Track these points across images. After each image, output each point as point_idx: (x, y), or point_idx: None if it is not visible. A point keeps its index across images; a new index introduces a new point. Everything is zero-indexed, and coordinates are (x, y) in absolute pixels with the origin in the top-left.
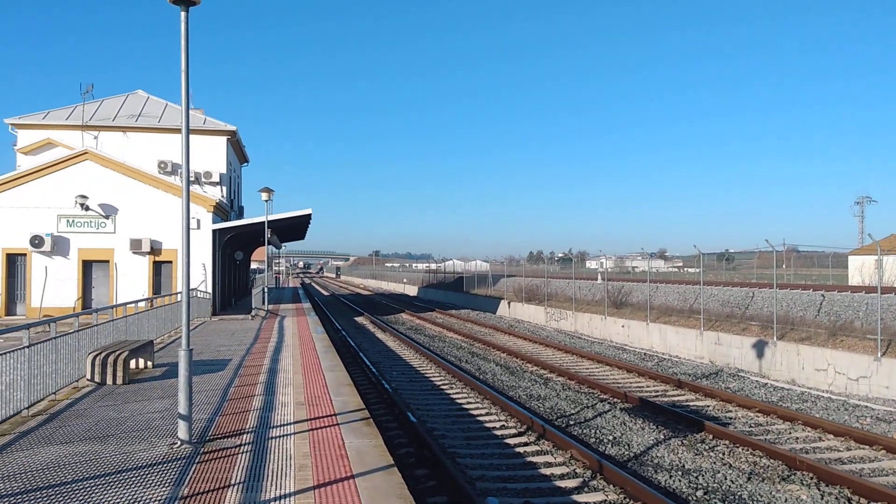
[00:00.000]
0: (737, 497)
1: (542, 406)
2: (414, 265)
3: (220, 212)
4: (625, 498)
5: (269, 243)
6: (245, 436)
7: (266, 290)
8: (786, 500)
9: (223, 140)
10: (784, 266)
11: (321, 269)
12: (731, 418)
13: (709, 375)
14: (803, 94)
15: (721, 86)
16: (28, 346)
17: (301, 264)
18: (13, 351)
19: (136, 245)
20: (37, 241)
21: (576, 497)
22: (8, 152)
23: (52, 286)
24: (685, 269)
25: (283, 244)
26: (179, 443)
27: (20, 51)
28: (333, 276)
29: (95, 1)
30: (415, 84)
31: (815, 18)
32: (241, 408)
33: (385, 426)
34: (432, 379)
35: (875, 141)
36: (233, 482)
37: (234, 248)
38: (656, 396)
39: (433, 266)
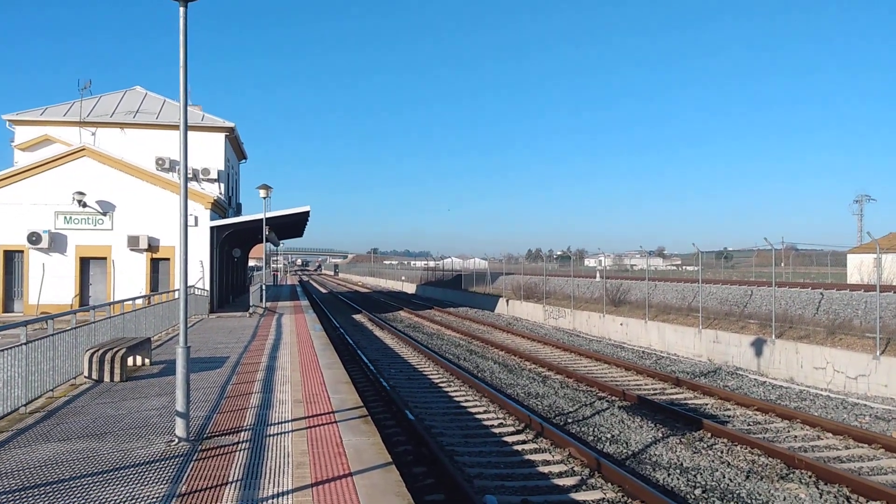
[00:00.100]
0: (735, 495)
1: (540, 404)
2: (412, 263)
3: (218, 209)
4: (623, 496)
5: (267, 240)
6: (243, 433)
7: (264, 287)
8: (784, 499)
9: (221, 137)
10: (783, 264)
11: (319, 266)
12: (729, 416)
13: (707, 374)
14: (802, 91)
15: (720, 83)
16: (26, 343)
17: (299, 262)
18: (10, 348)
19: (133, 242)
20: (34, 238)
21: (574, 495)
22: (5, 149)
23: (50, 283)
24: (684, 267)
25: (282, 241)
26: (177, 440)
27: (18, 47)
28: (332, 273)
29: None
30: (414, 82)
31: (813, 15)
32: (238, 405)
33: (383, 424)
34: (430, 377)
35: (874, 139)
36: (230, 479)
37: (231, 245)
38: (654, 394)
39: (432, 264)
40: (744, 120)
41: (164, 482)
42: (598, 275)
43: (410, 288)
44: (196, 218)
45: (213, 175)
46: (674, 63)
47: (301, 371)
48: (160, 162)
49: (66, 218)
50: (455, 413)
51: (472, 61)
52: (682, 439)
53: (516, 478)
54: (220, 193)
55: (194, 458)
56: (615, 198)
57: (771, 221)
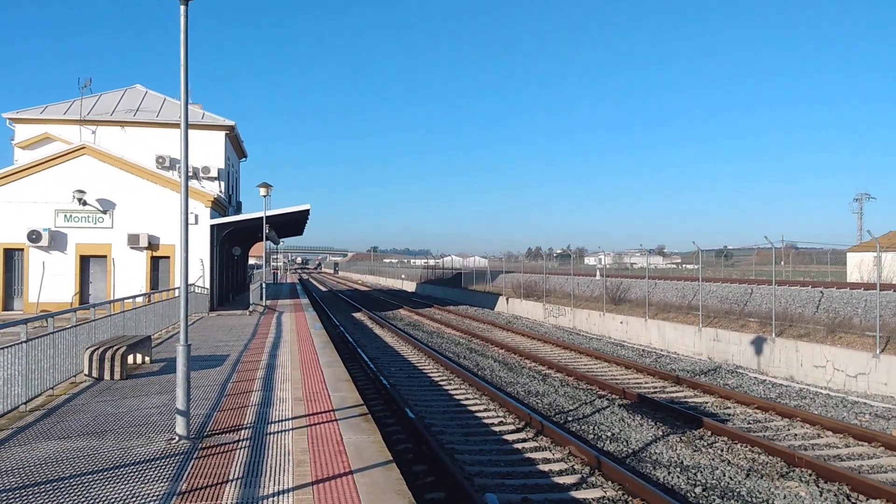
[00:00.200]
0: (735, 493)
1: (540, 402)
2: (412, 261)
3: (219, 207)
4: (623, 494)
5: (267, 239)
6: (243, 431)
7: (264, 285)
8: (785, 497)
9: (221, 135)
10: (783, 263)
11: (319, 264)
12: (729, 415)
13: (707, 372)
14: (802, 90)
15: (719, 82)
16: (26, 342)
17: (299, 260)
18: (11, 346)
19: (133, 240)
20: (34, 236)
21: (574, 493)
22: (6, 147)
23: (50, 281)
24: (683, 265)
25: (282, 240)
26: (177, 438)
27: (18, 45)
28: (331, 271)
29: None
30: (414, 80)
31: (812, 14)
32: (239, 403)
33: (383, 422)
34: (430, 375)
35: (874, 138)
36: (231, 478)
37: (231, 243)
38: (655, 393)
39: (431, 262)
40: (744, 118)
41: (165, 480)
42: (598, 273)
43: (410, 286)
44: (196, 216)
45: (214, 173)
46: (674, 62)
47: (301, 369)
48: (160, 160)
49: (66, 216)
50: (455, 411)
51: (472, 60)
52: (683, 437)
53: (517, 476)
54: (221, 192)
55: (195, 456)
56: (615, 196)
57: (771, 220)
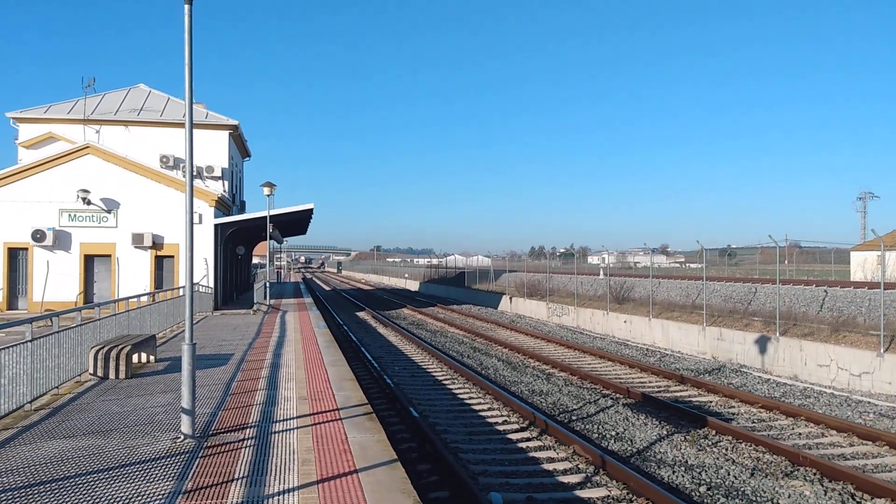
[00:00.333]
0: (740, 493)
1: (544, 401)
2: (415, 260)
3: (222, 206)
4: (628, 493)
5: (270, 238)
6: (248, 430)
7: (268, 284)
8: (789, 496)
9: (225, 134)
10: (786, 262)
11: (322, 263)
12: (733, 414)
13: (711, 371)
14: (805, 88)
15: (723, 81)
16: (31, 341)
17: (302, 259)
18: (16, 345)
19: (137, 239)
20: (38, 236)
21: (579, 492)
22: (9, 146)
23: (54, 280)
24: (687, 264)
25: (285, 239)
26: (183, 437)
27: (22, 44)
28: (335, 271)
29: None
30: (417, 79)
31: (816, 13)
32: (243, 402)
33: (387, 421)
34: (434, 374)
35: (878, 136)
36: (236, 476)
37: (235, 242)
38: (659, 392)
39: (435, 261)
40: (747, 118)
41: (170, 479)
42: (601, 272)
43: (414, 285)
44: (200, 215)
45: (217, 173)
46: (677, 60)
47: (305, 368)
48: (164, 159)
49: (70, 215)
50: (459, 410)
51: (474, 59)
52: (687, 437)
53: (521, 475)
54: (224, 191)
55: (200, 454)
56: (618, 196)
57: (774, 219)
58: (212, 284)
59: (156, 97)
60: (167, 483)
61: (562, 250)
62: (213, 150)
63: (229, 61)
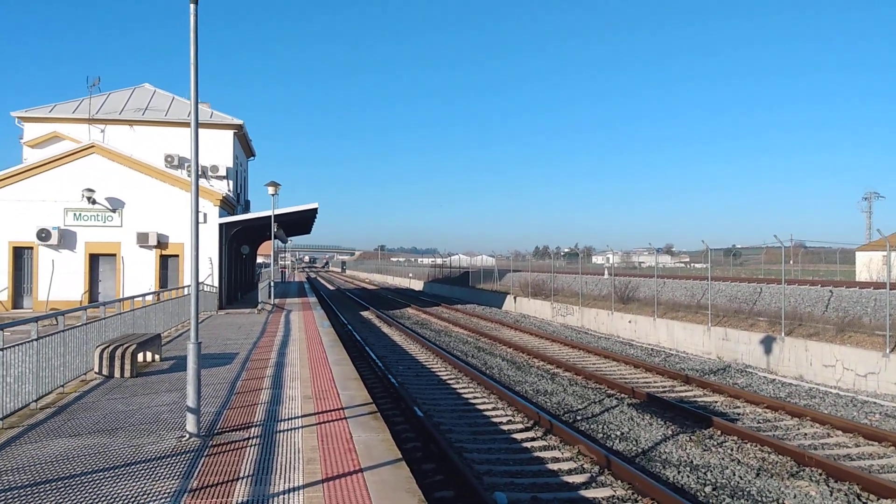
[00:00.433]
0: (746, 493)
1: (549, 401)
2: (419, 260)
3: (227, 206)
4: (633, 493)
5: (275, 237)
6: (253, 429)
7: (272, 284)
8: (795, 497)
9: (230, 134)
10: (791, 262)
11: (327, 263)
12: (739, 414)
13: (716, 371)
14: (810, 88)
15: (728, 80)
16: (37, 339)
17: (307, 259)
18: (21, 344)
19: (142, 239)
20: (43, 235)
21: (584, 492)
22: (14, 145)
23: (59, 279)
24: (692, 264)
25: (289, 238)
26: (188, 436)
27: (27, 44)
28: (339, 270)
29: None
30: (420, 78)
31: (823, 12)
32: (248, 401)
33: (392, 420)
34: (438, 373)
35: (883, 136)
36: (242, 475)
37: (240, 242)
38: (664, 392)
39: (439, 261)
40: (752, 117)
41: (176, 477)
42: (606, 272)
43: (418, 285)
44: (205, 215)
45: (222, 172)
46: (681, 59)
47: (310, 367)
48: (169, 159)
49: (75, 214)
50: (464, 410)
51: (474, 59)
52: (692, 437)
53: (526, 475)
54: (229, 190)
55: (205, 453)
56: (623, 196)
57: (780, 219)
58: (216, 284)
59: (161, 97)
60: (173, 481)
61: (566, 250)
62: (218, 149)
63: (229, 61)
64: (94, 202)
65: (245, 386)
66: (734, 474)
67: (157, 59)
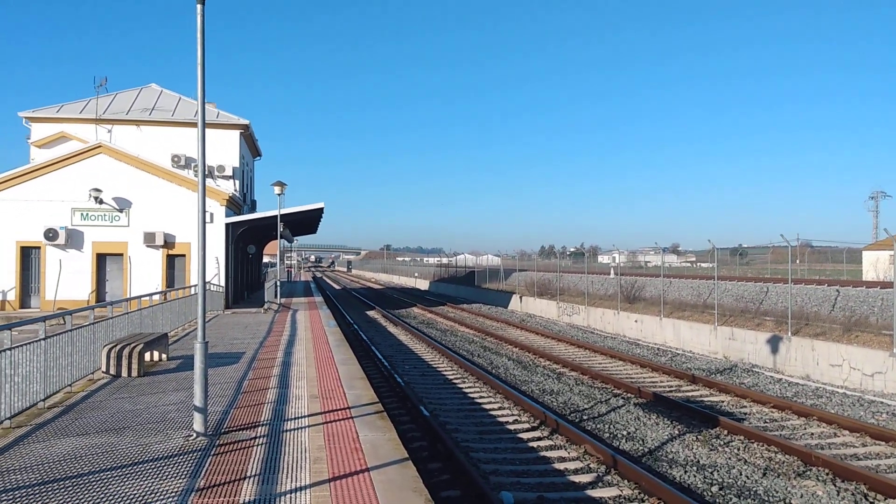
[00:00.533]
0: (752, 493)
1: (555, 401)
2: (425, 259)
3: (233, 205)
4: (639, 493)
5: (281, 237)
6: (260, 428)
7: (278, 283)
8: (802, 496)
9: (236, 134)
10: (798, 261)
11: (332, 262)
12: (745, 414)
13: (723, 371)
14: (817, 87)
15: (734, 79)
16: (44, 339)
17: (312, 258)
18: (29, 343)
19: (149, 238)
20: (51, 235)
21: (590, 492)
22: (22, 145)
23: (66, 279)
24: (698, 263)
25: (295, 238)
26: (195, 435)
27: (34, 44)
28: (345, 270)
29: None
30: (420, 78)
31: (829, 12)
32: (255, 400)
33: (398, 420)
34: (444, 373)
35: (890, 135)
36: (248, 474)
37: (246, 241)
38: (670, 392)
39: (445, 260)
40: (754, 117)
41: (183, 477)
42: (612, 271)
43: (423, 284)
44: (211, 214)
45: (228, 172)
46: (686, 58)
47: (316, 367)
48: (176, 159)
49: (82, 214)
50: (470, 409)
51: (474, 59)
52: (699, 437)
53: (532, 474)
54: (235, 190)
55: (212, 452)
56: (629, 194)
57: (786, 218)
58: (223, 283)
59: (167, 97)
60: (180, 481)
61: (572, 249)
62: (225, 149)
63: (230, 62)
64: (101, 202)
65: (252, 385)
66: (741, 474)
67: (163, 59)
